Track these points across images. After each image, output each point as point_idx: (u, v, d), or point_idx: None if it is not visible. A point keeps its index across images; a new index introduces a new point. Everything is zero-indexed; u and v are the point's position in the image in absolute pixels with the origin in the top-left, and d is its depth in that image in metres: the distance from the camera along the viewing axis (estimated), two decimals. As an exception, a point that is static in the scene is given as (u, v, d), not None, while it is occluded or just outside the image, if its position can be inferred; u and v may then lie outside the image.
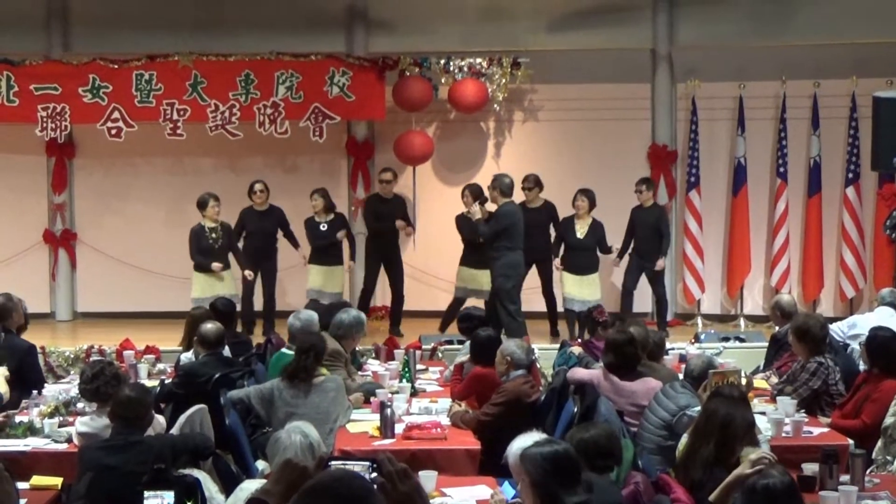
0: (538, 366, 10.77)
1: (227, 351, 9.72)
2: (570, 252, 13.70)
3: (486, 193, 13.08)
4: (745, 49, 15.12)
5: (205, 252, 13.38)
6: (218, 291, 13.14)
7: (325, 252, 13.79)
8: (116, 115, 14.71)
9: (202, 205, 13.47)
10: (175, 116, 14.70)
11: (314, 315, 10.14)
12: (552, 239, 13.89)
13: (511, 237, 12.67)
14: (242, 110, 14.73)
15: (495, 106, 15.18)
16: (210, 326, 9.46)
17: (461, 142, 15.80)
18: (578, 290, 13.52)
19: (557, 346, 11.83)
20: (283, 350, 9.72)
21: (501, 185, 12.84)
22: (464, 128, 15.81)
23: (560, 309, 13.80)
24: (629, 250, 13.99)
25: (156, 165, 15.68)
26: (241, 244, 13.81)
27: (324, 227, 13.76)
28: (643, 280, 14.00)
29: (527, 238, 12.89)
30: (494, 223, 12.67)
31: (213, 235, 13.39)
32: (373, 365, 11.08)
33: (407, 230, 14.21)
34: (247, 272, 13.54)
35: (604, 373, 8.62)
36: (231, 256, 13.59)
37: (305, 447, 5.97)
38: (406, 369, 9.88)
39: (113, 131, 14.75)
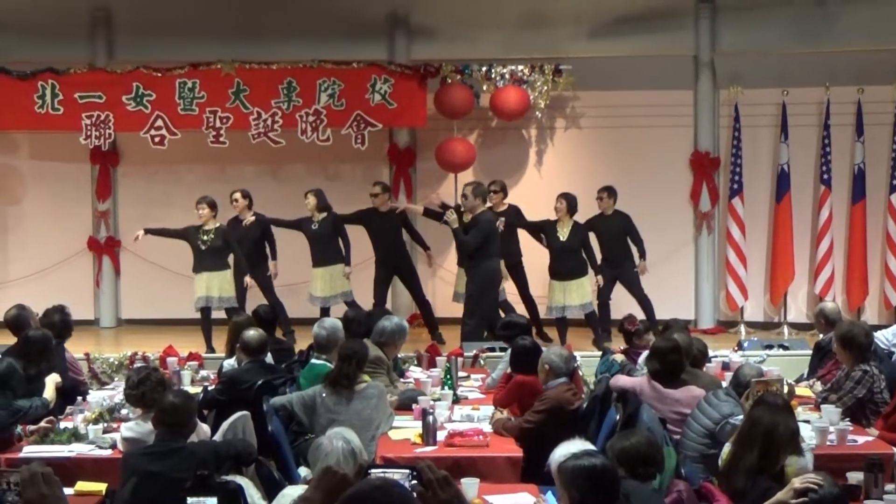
0: (580, 373, 10.74)
1: (269, 358, 9.76)
2: (555, 257, 13.67)
3: (461, 201, 13.23)
4: (788, 55, 15.03)
5: (196, 252, 13.48)
6: (213, 293, 13.36)
7: (320, 251, 13.73)
8: (160, 122, 14.79)
9: (196, 207, 13.54)
10: (218, 124, 14.77)
11: (338, 322, 10.13)
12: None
13: (492, 244, 12.92)
14: (284, 118, 14.78)
15: (537, 113, 15.18)
16: (252, 333, 9.50)
17: (503, 149, 15.80)
18: (563, 296, 13.49)
19: (600, 353, 11.82)
20: (313, 361, 9.70)
21: (482, 192, 13.13)
22: (505, 135, 15.81)
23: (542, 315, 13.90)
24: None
25: (198, 173, 15.76)
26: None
27: (315, 225, 13.76)
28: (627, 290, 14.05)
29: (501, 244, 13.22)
30: (477, 232, 12.84)
31: (205, 237, 13.42)
32: (415, 372, 11.10)
33: (429, 257, 14.21)
34: (246, 279, 13.55)
35: (647, 380, 8.59)
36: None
37: (347, 453, 5.93)
38: (448, 376, 9.86)
39: (156, 139, 14.84)
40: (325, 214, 13.74)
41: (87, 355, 12.50)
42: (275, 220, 13.99)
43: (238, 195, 13.91)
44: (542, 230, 13.73)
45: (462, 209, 13.19)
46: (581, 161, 15.58)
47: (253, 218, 13.86)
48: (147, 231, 13.70)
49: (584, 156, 15.66)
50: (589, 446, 5.84)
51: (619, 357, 10.42)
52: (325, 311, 13.71)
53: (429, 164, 15.37)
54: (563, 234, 13.53)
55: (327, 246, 13.70)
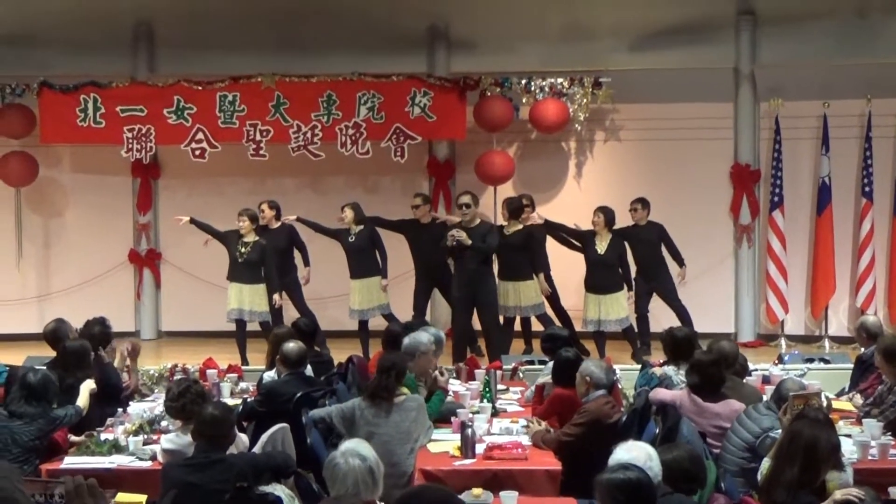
0: (619, 386, 10.71)
1: (308, 370, 9.78)
2: (591, 270, 13.62)
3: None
4: (829, 67, 14.95)
5: (232, 260, 13.54)
6: (245, 306, 13.42)
7: (357, 263, 13.74)
8: (200, 136, 14.87)
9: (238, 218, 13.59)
10: (258, 137, 14.83)
11: (441, 334, 10.32)
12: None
13: (491, 258, 13.24)
14: (324, 131, 14.82)
15: (576, 126, 15.14)
16: (292, 346, 9.54)
17: (542, 162, 15.78)
18: (598, 310, 13.43)
19: (639, 367, 11.77)
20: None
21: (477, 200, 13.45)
22: (545, 148, 15.79)
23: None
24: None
25: (239, 186, 15.81)
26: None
27: (352, 237, 13.77)
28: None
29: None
30: (493, 236, 13.13)
31: (242, 249, 13.45)
32: (453, 385, 11.08)
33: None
34: (275, 297, 13.53)
35: (687, 394, 8.55)
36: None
37: (365, 473, 5.63)
38: (487, 389, 9.87)
39: (197, 152, 14.91)
40: (361, 227, 13.77)
41: (128, 367, 12.54)
42: (315, 223, 14.03)
43: (265, 205, 13.98)
44: (581, 240, 13.71)
45: (462, 222, 13.21)
46: (621, 174, 15.55)
47: (279, 223, 13.94)
48: (192, 220, 13.77)
49: (624, 169, 15.63)
50: (647, 450, 5.81)
51: (659, 370, 10.37)
52: (363, 325, 13.74)
53: (468, 176, 15.37)
54: (602, 247, 13.49)
55: (364, 258, 13.73)
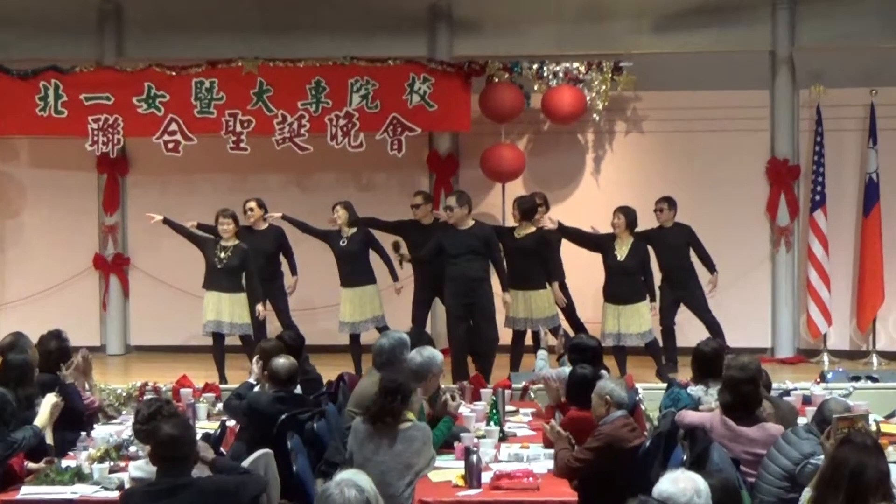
0: (642, 407, 10.69)
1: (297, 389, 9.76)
2: (610, 277, 13.59)
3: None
4: (877, 50, 14.96)
5: (210, 267, 13.48)
6: (224, 317, 13.37)
7: (349, 270, 13.74)
8: (174, 127, 14.87)
9: (216, 220, 13.49)
10: (238, 128, 14.83)
11: (405, 337, 10.11)
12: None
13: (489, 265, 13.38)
14: (312, 121, 14.82)
15: (594, 116, 15.14)
16: (283, 361, 9.50)
17: (556, 156, 15.79)
18: (618, 322, 13.42)
19: (664, 385, 11.74)
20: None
21: (468, 200, 13.45)
22: (559, 140, 15.80)
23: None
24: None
25: (217, 183, 15.83)
26: None
27: (343, 241, 13.76)
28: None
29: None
30: (493, 244, 13.28)
31: (222, 254, 13.42)
32: (456, 405, 11.08)
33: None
34: (258, 307, 13.49)
35: (719, 416, 8.53)
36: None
37: None
38: (494, 411, 9.84)
39: (170, 145, 14.91)
40: (354, 230, 13.76)
41: (93, 386, 12.54)
42: (302, 224, 14.03)
43: (253, 203, 13.98)
44: (599, 246, 13.67)
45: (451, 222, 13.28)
46: (644, 170, 15.56)
47: (266, 224, 13.95)
48: (166, 221, 13.75)
49: (647, 164, 15.63)
50: (698, 484, 5.76)
51: (692, 390, 10.32)
52: (354, 338, 13.71)
53: (473, 172, 15.38)
54: (622, 252, 13.44)
55: (357, 264, 13.72)
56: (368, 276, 13.76)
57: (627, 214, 13.49)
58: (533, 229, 13.53)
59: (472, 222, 13.27)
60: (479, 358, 13.22)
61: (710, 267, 13.94)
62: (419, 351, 9.65)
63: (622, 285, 13.42)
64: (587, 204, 15.22)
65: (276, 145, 14.88)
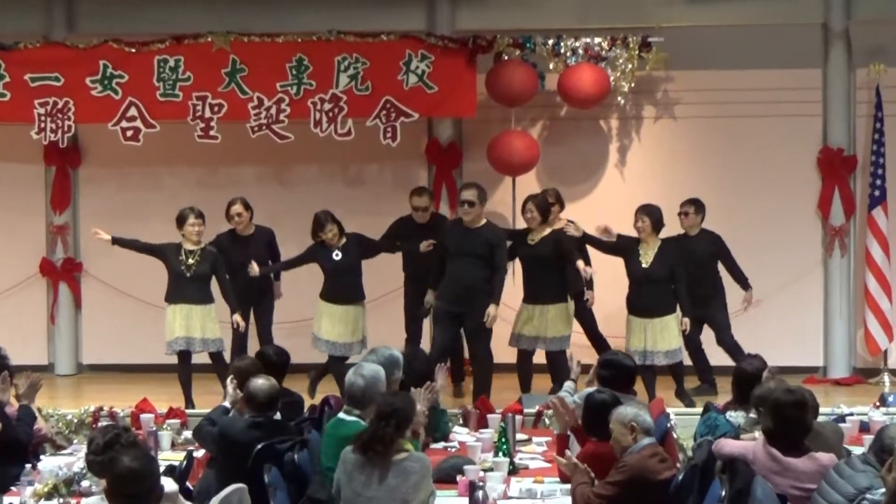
0: (674, 435, 10.69)
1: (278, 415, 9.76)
2: (635, 287, 13.62)
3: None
4: (947, 23, 15.02)
5: (175, 277, 13.50)
6: (195, 333, 13.38)
7: (341, 286, 13.74)
8: (133, 112, 14.86)
9: (180, 221, 13.55)
10: (207, 114, 14.83)
11: (380, 371, 9.97)
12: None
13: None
14: (293, 105, 14.81)
15: (619, 99, 15.15)
16: (261, 383, 9.46)
17: (575, 145, 15.81)
18: (644, 337, 13.44)
19: (700, 409, 11.75)
20: (341, 416, 9.61)
21: (485, 197, 13.63)
22: (578, 127, 15.82)
23: None
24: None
25: (183, 177, 15.87)
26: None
27: (337, 255, 13.73)
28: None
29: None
30: (502, 253, 13.40)
31: (190, 260, 13.44)
32: (460, 434, 11.07)
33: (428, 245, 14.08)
34: (236, 318, 13.54)
35: (762, 445, 8.54)
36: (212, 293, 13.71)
37: None
38: (503, 440, 9.84)
39: (129, 133, 14.91)
40: (345, 240, 13.75)
41: (39, 411, 12.53)
42: (284, 264, 14.09)
43: (240, 207, 13.93)
44: (620, 250, 13.65)
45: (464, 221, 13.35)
46: (675, 161, 15.57)
47: (253, 228, 13.98)
48: (115, 240, 13.74)
49: (680, 154, 15.64)
50: None
51: (734, 416, 10.31)
52: (337, 358, 13.67)
53: (479, 164, 15.39)
54: (647, 258, 13.44)
55: (350, 279, 13.75)
56: (358, 293, 13.80)
57: (651, 214, 13.47)
58: (548, 231, 13.50)
59: (483, 221, 13.30)
60: (474, 377, 13.31)
61: (743, 283, 13.97)
62: (358, 372, 9.56)
63: (649, 295, 13.42)
64: (610, 201, 15.21)
65: (251, 133, 14.87)
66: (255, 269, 13.61)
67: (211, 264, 13.46)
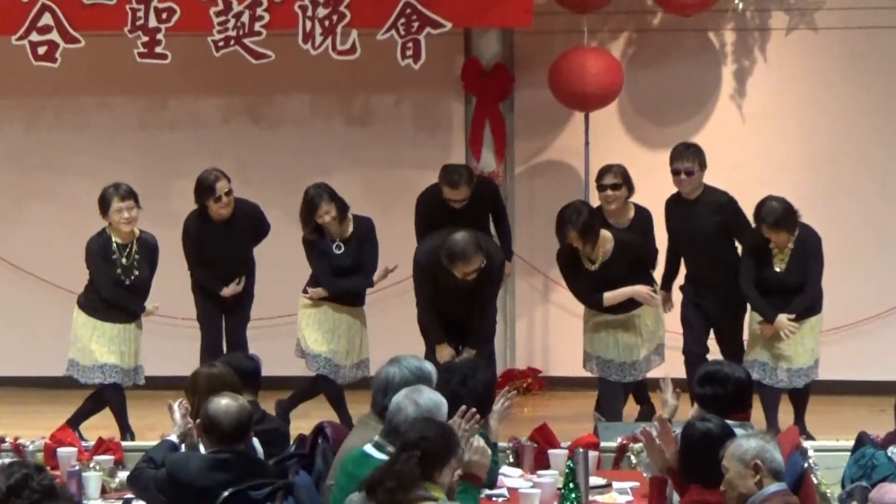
0: (814, 479, 10.69)
1: (256, 445, 9.78)
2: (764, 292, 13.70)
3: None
4: None
5: (113, 280, 13.51)
6: (110, 359, 13.32)
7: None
8: (48, 20, 14.90)
9: (103, 204, 13.41)
10: (152, 23, 14.85)
11: (441, 400, 9.92)
12: None
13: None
14: (274, 10, 14.81)
15: (736, 3, 15.16)
16: (226, 404, 9.42)
17: (672, 67, 15.86)
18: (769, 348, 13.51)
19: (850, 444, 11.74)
20: (368, 450, 9.58)
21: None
22: (678, 42, 15.87)
23: None
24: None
25: (118, 111, 16.00)
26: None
27: (339, 248, 13.87)
28: None
29: None
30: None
31: (124, 260, 13.38)
32: (511, 477, 11.06)
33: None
34: (232, 286, 13.79)
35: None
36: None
37: None
38: (572, 485, 9.85)
39: (41, 50, 14.94)
40: (351, 228, 13.76)
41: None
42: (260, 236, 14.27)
43: (222, 181, 13.72)
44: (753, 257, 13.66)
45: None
46: (815, 88, 15.55)
47: (232, 208, 13.99)
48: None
49: (821, 79, 15.62)
50: None
51: (890, 451, 10.36)
52: (327, 380, 13.82)
53: (537, 94, 15.44)
54: (781, 261, 13.38)
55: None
56: (359, 296, 13.98)
57: (788, 223, 13.31)
58: (611, 244, 13.41)
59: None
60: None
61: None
62: (411, 397, 9.53)
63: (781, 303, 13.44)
64: (722, 148, 15.11)
65: (214, 50, 14.88)
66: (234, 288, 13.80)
67: (150, 259, 13.41)
